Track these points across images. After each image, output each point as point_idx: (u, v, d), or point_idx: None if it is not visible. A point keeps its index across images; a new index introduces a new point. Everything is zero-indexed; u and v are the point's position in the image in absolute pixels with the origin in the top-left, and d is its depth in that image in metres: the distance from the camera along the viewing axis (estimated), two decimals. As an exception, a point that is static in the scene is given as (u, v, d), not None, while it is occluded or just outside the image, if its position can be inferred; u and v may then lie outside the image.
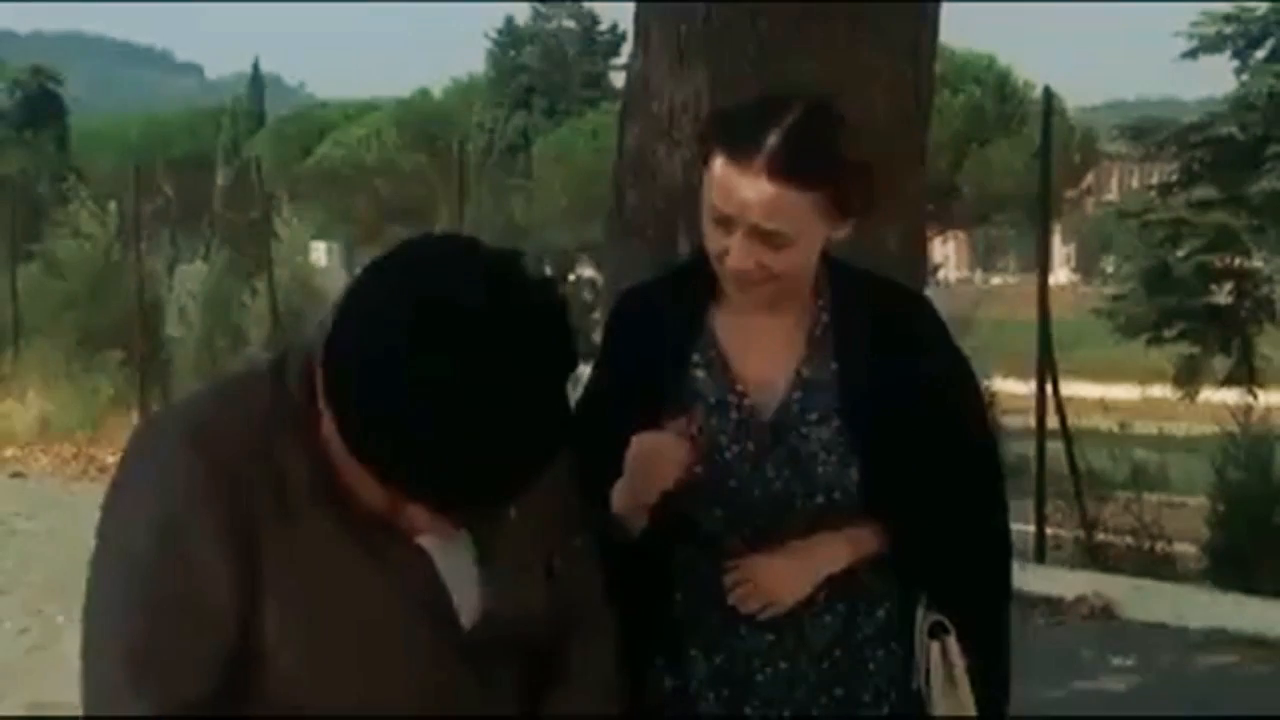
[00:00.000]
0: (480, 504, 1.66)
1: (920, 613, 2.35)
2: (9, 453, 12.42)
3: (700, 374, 2.34)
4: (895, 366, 2.30)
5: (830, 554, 2.30)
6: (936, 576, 2.36)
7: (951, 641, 2.35)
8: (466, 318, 1.56)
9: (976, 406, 2.48)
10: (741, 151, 2.17)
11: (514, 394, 1.56)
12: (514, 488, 1.64)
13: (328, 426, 1.67)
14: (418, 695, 1.78)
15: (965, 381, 2.45)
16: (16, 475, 11.69)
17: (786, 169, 2.15)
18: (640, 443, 2.24)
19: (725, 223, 2.21)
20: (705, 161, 2.26)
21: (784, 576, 2.28)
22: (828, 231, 2.24)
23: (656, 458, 2.23)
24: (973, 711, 2.36)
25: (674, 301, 2.38)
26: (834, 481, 2.29)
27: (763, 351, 2.33)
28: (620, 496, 2.27)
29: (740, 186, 2.18)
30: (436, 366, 1.54)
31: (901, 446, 2.28)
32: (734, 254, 2.21)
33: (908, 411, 2.28)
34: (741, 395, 2.32)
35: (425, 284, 1.59)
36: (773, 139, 2.16)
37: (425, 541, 1.77)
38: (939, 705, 2.34)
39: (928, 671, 2.34)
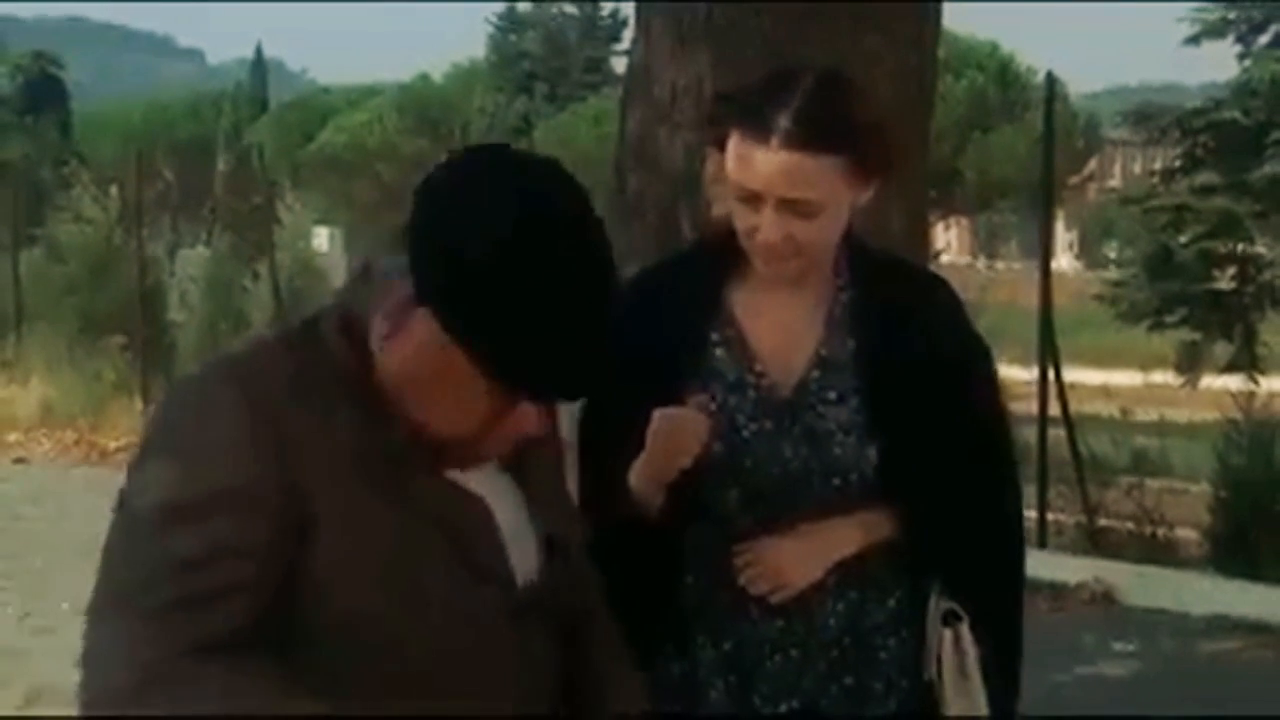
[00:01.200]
0: (578, 384, 1.74)
1: (933, 600, 2.35)
2: (11, 438, 12.42)
3: (719, 352, 2.33)
4: (913, 347, 2.31)
5: (842, 537, 2.30)
6: (950, 560, 2.36)
7: (964, 630, 2.34)
8: (559, 214, 1.67)
9: (993, 389, 2.47)
10: (758, 126, 2.18)
11: (590, 280, 1.68)
12: (596, 368, 1.73)
13: (392, 365, 1.70)
14: (470, 659, 1.76)
15: (982, 364, 2.45)
16: (19, 460, 11.68)
17: (805, 136, 2.16)
18: (662, 417, 2.23)
19: (751, 199, 2.22)
20: (718, 143, 2.26)
21: (795, 559, 2.28)
22: (852, 197, 2.25)
23: (678, 432, 2.22)
24: (984, 702, 2.35)
25: (687, 281, 2.38)
26: (851, 462, 2.28)
27: (781, 330, 2.33)
28: (640, 473, 2.27)
29: (761, 161, 2.18)
30: (537, 253, 1.63)
31: (919, 427, 2.28)
32: (764, 229, 2.22)
33: (925, 392, 2.28)
34: (760, 374, 2.32)
35: (520, 182, 1.68)
36: (788, 109, 2.17)
37: (481, 488, 1.79)
38: (950, 696, 2.33)
39: (940, 661, 2.34)
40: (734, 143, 2.22)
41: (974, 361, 2.42)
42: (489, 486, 1.81)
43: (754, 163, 2.19)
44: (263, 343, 1.82)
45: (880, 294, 2.35)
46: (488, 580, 1.79)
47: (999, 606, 2.42)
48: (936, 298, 2.42)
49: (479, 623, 1.77)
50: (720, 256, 2.34)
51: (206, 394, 1.72)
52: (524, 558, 1.84)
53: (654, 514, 2.28)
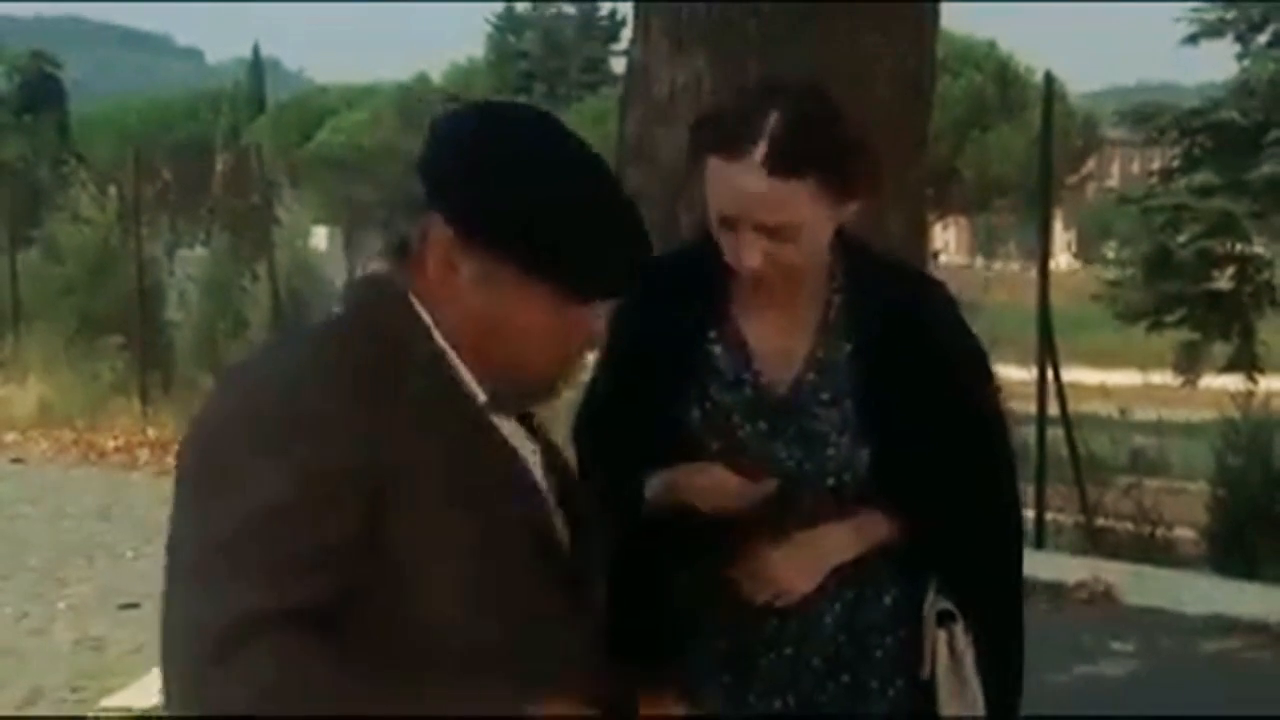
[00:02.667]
0: (633, 271, 1.78)
1: (929, 599, 2.35)
2: (9, 438, 12.40)
3: (717, 350, 2.34)
4: (908, 349, 2.30)
5: (838, 544, 2.30)
6: (948, 561, 2.35)
7: (959, 630, 2.34)
8: (571, 138, 1.77)
9: (990, 390, 2.47)
10: (734, 152, 2.16)
11: (605, 175, 1.78)
12: (640, 251, 1.79)
13: (468, 322, 1.71)
14: (537, 626, 1.75)
15: (979, 365, 2.44)
16: (16, 460, 11.67)
17: (780, 163, 2.14)
18: (709, 475, 2.24)
19: (730, 223, 2.21)
20: (697, 162, 2.24)
21: (793, 568, 2.28)
22: (834, 215, 2.23)
23: (716, 493, 2.24)
24: (980, 701, 2.35)
25: (687, 277, 2.37)
26: (844, 463, 2.29)
27: (778, 330, 2.34)
28: (662, 494, 2.29)
29: (738, 187, 2.17)
30: (580, 171, 1.74)
31: (914, 429, 2.27)
32: (743, 252, 2.21)
33: (921, 394, 2.28)
34: (756, 373, 2.32)
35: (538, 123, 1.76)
36: (764, 135, 2.14)
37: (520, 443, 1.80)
38: (945, 697, 2.34)
39: (934, 661, 2.34)
40: (710, 169, 2.20)
41: (970, 363, 2.42)
42: (522, 446, 1.82)
43: (730, 190, 2.18)
44: (318, 339, 1.77)
45: (875, 296, 2.34)
46: (545, 545, 1.78)
47: (998, 605, 2.41)
48: (932, 299, 2.41)
49: (546, 588, 1.76)
50: (720, 255, 2.33)
51: (292, 380, 1.67)
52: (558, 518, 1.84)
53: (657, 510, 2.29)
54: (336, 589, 1.59)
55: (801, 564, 2.28)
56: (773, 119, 2.15)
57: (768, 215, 2.17)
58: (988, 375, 2.46)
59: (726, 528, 2.29)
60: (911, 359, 2.30)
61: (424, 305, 1.74)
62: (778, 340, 2.33)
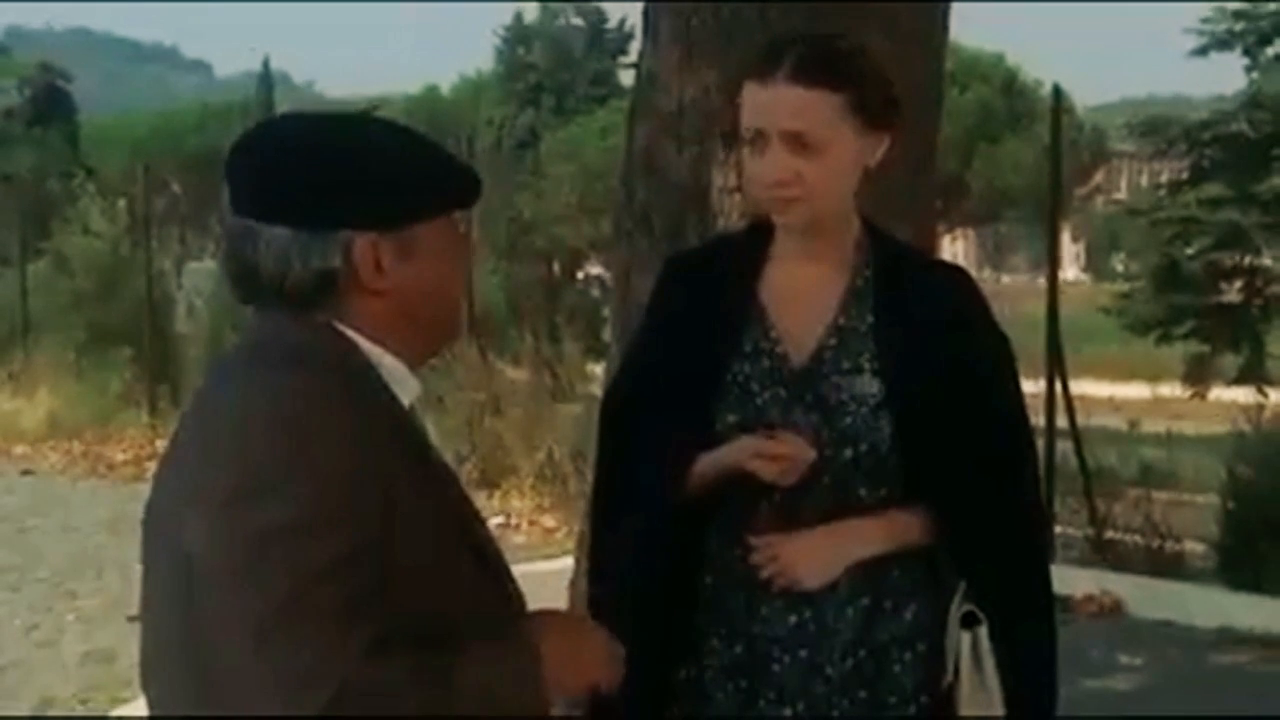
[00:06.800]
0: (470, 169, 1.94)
1: (956, 600, 2.34)
2: (19, 450, 12.43)
3: (741, 323, 2.36)
4: (932, 326, 2.33)
5: (861, 537, 2.30)
6: (975, 558, 2.35)
7: (982, 632, 2.34)
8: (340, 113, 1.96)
9: (1015, 383, 2.48)
10: (764, 69, 2.29)
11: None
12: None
13: (405, 296, 1.80)
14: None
15: (1005, 357, 2.45)
16: (26, 473, 11.69)
17: (803, 71, 2.26)
18: (771, 442, 2.26)
19: (758, 139, 2.29)
20: (736, 119, 2.35)
21: (811, 555, 2.29)
22: (856, 142, 2.29)
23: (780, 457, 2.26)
24: (999, 706, 2.35)
25: (723, 262, 2.45)
26: (863, 432, 2.29)
27: (802, 302, 2.37)
28: (713, 467, 2.30)
29: (765, 97, 2.28)
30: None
31: (935, 403, 2.29)
32: (768, 164, 2.28)
33: (943, 370, 2.30)
34: (775, 341, 2.35)
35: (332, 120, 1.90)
36: (791, 52, 2.28)
37: None
38: (966, 698, 2.33)
39: (957, 665, 2.33)
40: (744, 94, 2.31)
41: (997, 353, 2.43)
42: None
43: (759, 100, 2.29)
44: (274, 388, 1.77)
45: (904, 275, 2.39)
46: (488, 555, 1.86)
47: (1029, 605, 2.43)
48: (957, 283, 2.45)
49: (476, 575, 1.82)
50: (753, 242, 2.40)
51: (292, 403, 1.71)
52: None
53: (691, 488, 2.30)
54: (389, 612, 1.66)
55: (819, 553, 2.29)
56: (801, 42, 2.32)
57: (791, 120, 2.26)
58: (1010, 359, 2.47)
59: (750, 507, 2.29)
60: (935, 335, 2.33)
61: (349, 327, 1.80)
62: (800, 309, 2.37)
